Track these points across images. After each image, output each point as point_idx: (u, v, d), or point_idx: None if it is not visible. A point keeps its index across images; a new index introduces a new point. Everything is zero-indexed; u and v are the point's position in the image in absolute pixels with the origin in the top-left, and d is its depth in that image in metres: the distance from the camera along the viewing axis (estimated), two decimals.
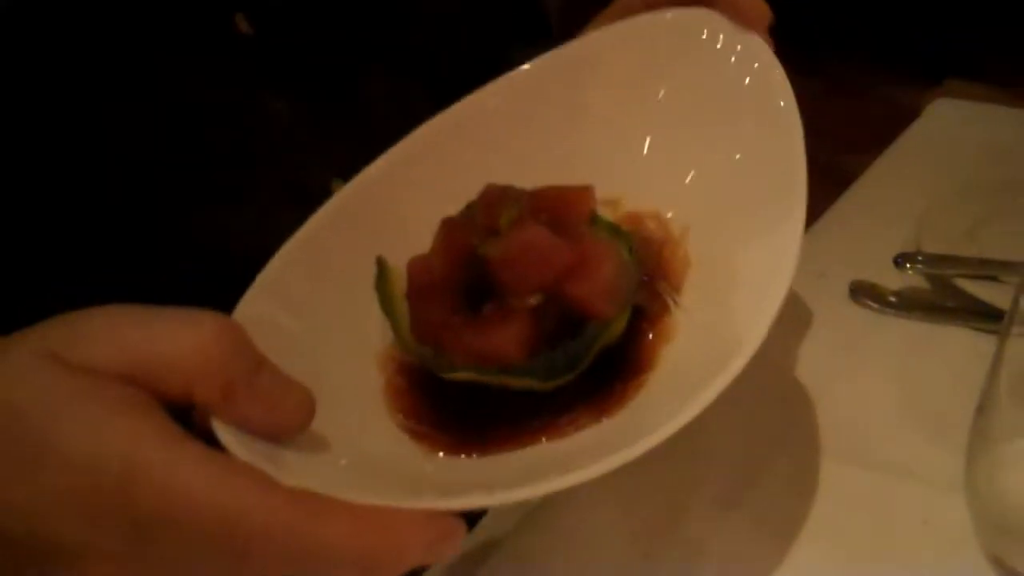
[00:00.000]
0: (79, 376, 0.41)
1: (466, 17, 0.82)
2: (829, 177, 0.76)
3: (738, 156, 0.58)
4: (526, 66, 0.63)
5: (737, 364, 0.44)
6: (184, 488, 0.39)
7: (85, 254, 0.63)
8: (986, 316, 0.73)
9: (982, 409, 0.54)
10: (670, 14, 0.61)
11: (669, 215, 0.59)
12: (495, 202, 0.56)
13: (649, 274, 0.57)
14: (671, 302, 0.56)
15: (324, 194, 0.62)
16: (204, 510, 0.39)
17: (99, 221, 0.63)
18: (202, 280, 0.62)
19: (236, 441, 0.43)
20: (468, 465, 0.51)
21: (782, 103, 0.56)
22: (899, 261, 0.77)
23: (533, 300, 0.52)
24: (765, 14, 0.59)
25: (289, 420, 0.44)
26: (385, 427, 0.53)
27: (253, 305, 0.53)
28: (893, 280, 0.78)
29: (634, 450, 0.42)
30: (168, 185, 0.64)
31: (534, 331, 0.52)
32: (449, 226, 0.56)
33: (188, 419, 0.43)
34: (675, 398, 0.45)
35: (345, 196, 0.59)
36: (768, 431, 0.65)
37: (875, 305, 0.77)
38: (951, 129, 1.01)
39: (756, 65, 0.58)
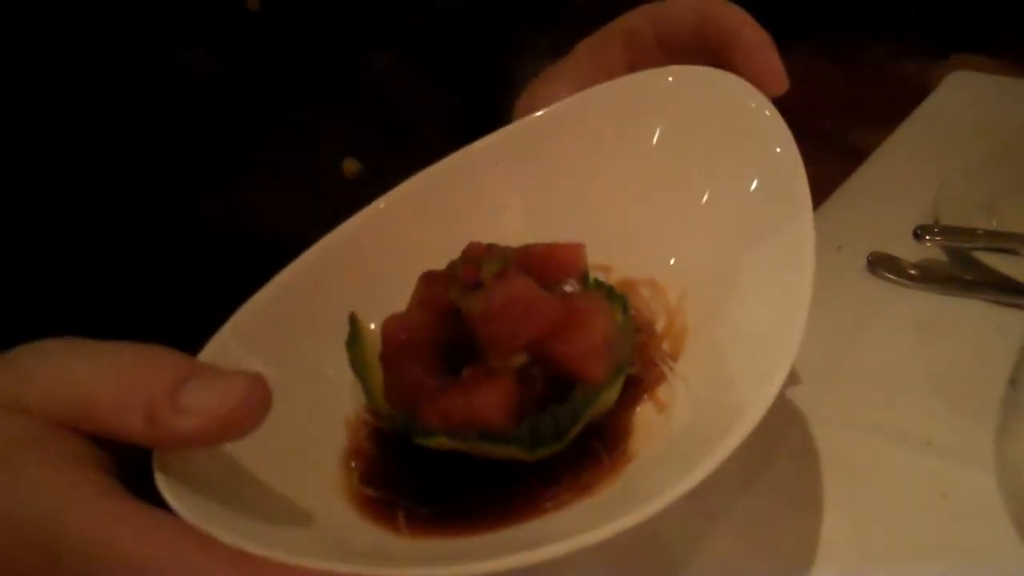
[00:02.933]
0: (15, 423, 0.40)
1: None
2: (844, 152, 0.77)
3: (739, 220, 0.55)
4: (518, 122, 0.61)
5: (735, 438, 0.41)
6: (112, 541, 0.37)
7: (86, 241, 0.63)
8: (1005, 289, 0.73)
9: (1015, 382, 0.52)
10: (671, 74, 0.60)
11: (664, 281, 0.56)
12: (478, 258, 0.52)
13: (644, 341, 0.54)
14: (667, 371, 0.53)
15: (336, 173, 0.63)
16: (130, 562, 0.36)
17: (101, 207, 0.62)
18: (216, 266, 0.64)
19: (175, 496, 0.40)
20: (430, 541, 0.47)
21: (787, 165, 0.53)
22: (918, 233, 0.77)
23: (517, 360, 0.49)
24: (781, 77, 0.58)
25: (237, 418, 0.40)
26: (345, 493, 0.50)
27: (221, 348, 0.49)
28: (911, 252, 0.78)
29: (614, 527, 0.39)
30: (173, 166, 0.63)
31: (518, 394, 0.48)
32: (428, 280, 0.52)
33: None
34: (667, 473, 0.43)
35: (325, 246, 0.56)
36: (784, 404, 0.64)
37: (893, 277, 0.77)
38: (966, 102, 1.01)
39: (759, 125, 0.56)
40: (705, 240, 0.56)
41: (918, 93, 1.03)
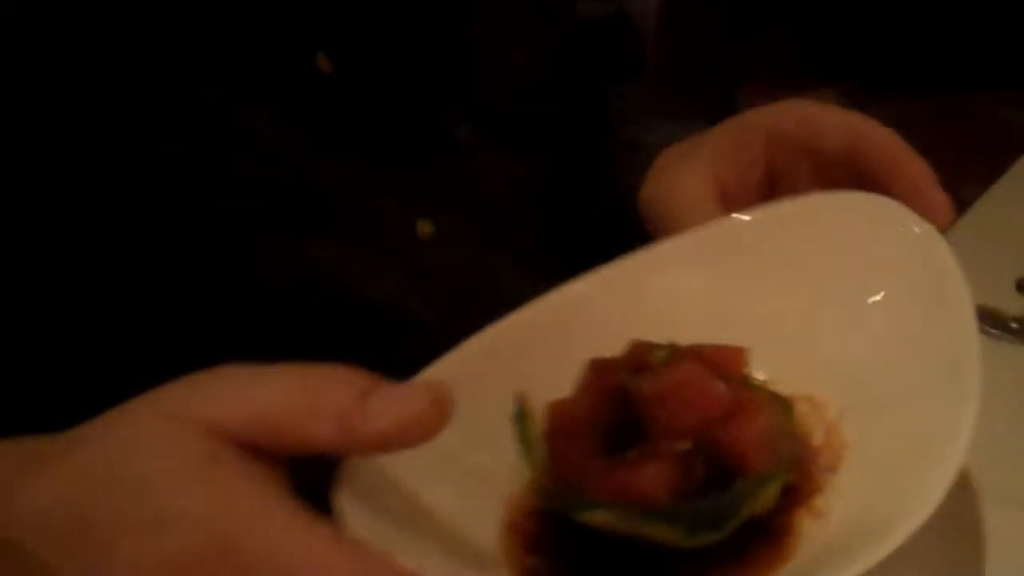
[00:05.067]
0: (202, 439, 0.42)
1: (557, 66, 0.80)
2: None
3: (902, 341, 0.56)
4: (693, 230, 0.63)
5: (895, 538, 0.43)
6: (299, 559, 0.39)
7: (144, 291, 0.62)
8: None
9: None
10: (843, 196, 0.61)
11: (823, 398, 0.56)
12: (646, 347, 0.54)
13: (801, 454, 0.54)
14: (824, 482, 0.53)
15: (409, 237, 0.64)
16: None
17: (163, 262, 0.62)
18: (289, 323, 0.63)
19: (354, 516, 0.43)
20: None
21: (953, 293, 0.54)
22: (1022, 286, 0.76)
23: (682, 445, 0.49)
24: (948, 211, 0.59)
25: (424, 420, 0.43)
26: (505, 559, 0.51)
27: None
28: (1015, 305, 0.76)
29: None
30: (244, 223, 0.63)
31: (681, 477, 0.49)
32: (596, 366, 0.53)
33: None
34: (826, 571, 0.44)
35: (492, 333, 0.58)
36: None
37: (996, 331, 0.75)
38: None
39: (925, 253, 0.56)
40: (866, 359, 0.57)
41: (1021, 142, 1.01)
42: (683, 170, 0.68)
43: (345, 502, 0.43)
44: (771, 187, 0.68)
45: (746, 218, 0.63)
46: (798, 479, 0.53)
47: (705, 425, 0.50)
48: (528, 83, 0.78)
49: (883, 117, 0.63)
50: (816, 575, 0.45)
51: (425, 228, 0.68)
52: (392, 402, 0.43)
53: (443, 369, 0.56)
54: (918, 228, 0.58)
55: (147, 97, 0.60)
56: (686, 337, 0.56)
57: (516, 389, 0.55)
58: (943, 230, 0.58)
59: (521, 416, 0.55)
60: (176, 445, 0.42)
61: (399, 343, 0.66)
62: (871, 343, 0.57)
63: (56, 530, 0.41)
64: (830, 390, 0.57)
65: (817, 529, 0.51)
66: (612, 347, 0.55)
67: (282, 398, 0.43)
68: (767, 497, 0.51)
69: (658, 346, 0.54)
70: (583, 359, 0.55)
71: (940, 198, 0.60)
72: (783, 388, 0.57)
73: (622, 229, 0.77)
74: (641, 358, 0.52)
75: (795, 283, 0.61)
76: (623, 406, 0.51)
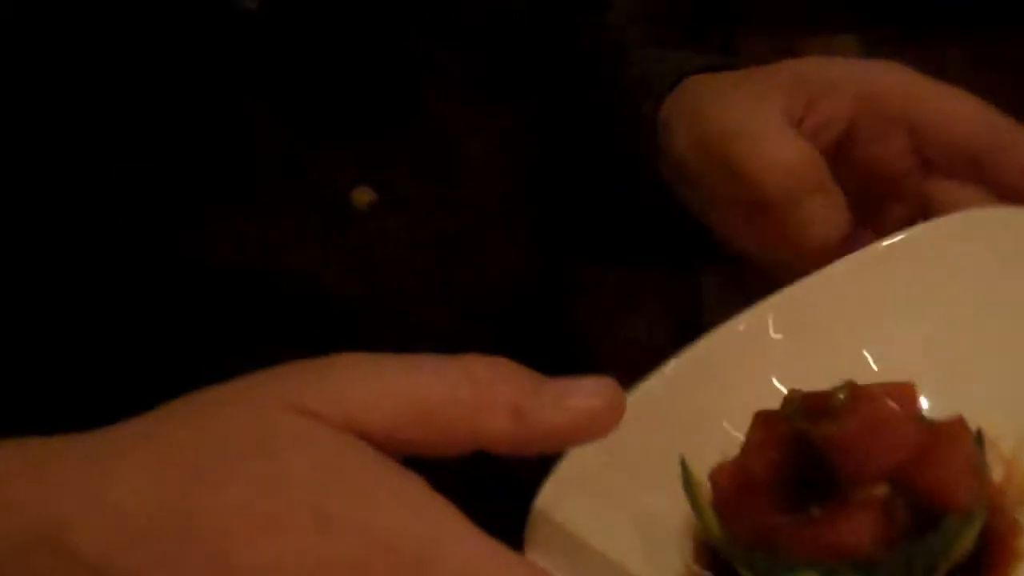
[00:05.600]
0: (352, 445, 0.37)
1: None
2: None
3: None
4: (833, 264, 0.59)
5: None
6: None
7: (69, 269, 0.56)
8: None
9: None
10: (1000, 213, 0.58)
11: (993, 431, 0.53)
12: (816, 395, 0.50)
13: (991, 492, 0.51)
14: (1019, 519, 0.50)
15: (345, 203, 0.58)
16: None
17: (84, 230, 0.56)
18: (223, 299, 0.58)
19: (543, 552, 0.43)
20: None
21: None
22: None
23: (879, 491, 0.46)
24: None
25: (603, 414, 0.40)
26: None
27: (556, 491, 0.50)
28: None
29: None
30: (161, 191, 0.57)
31: (885, 523, 0.45)
32: (765, 419, 0.50)
33: None
34: None
35: (643, 391, 0.55)
36: None
37: None
38: None
39: None
40: None
41: None
42: (751, 94, 0.61)
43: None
44: (841, 153, 0.62)
45: (893, 241, 0.59)
46: (990, 517, 0.49)
47: (900, 467, 0.46)
48: (500, 17, 0.70)
49: (918, 62, 0.59)
50: None
51: (364, 196, 0.62)
52: (567, 396, 0.39)
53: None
54: None
55: (65, 42, 0.54)
56: (846, 376, 0.52)
57: (679, 447, 0.53)
58: None
59: (688, 484, 0.52)
60: (324, 445, 0.37)
61: (327, 327, 0.61)
62: None
63: (148, 532, 0.35)
64: (1001, 422, 0.53)
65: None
66: (765, 393, 0.53)
67: (446, 390, 0.38)
68: (969, 538, 0.47)
69: (829, 391, 0.50)
70: (738, 407, 0.53)
71: None
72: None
73: (634, 187, 0.71)
74: (822, 398, 0.49)
75: (952, 308, 0.58)
76: (801, 457, 0.48)
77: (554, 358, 0.74)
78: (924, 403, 0.53)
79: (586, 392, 0.40)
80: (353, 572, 0.35)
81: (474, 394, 0.38)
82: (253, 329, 0.59)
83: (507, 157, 0.70)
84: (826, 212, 0.59)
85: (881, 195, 0.64)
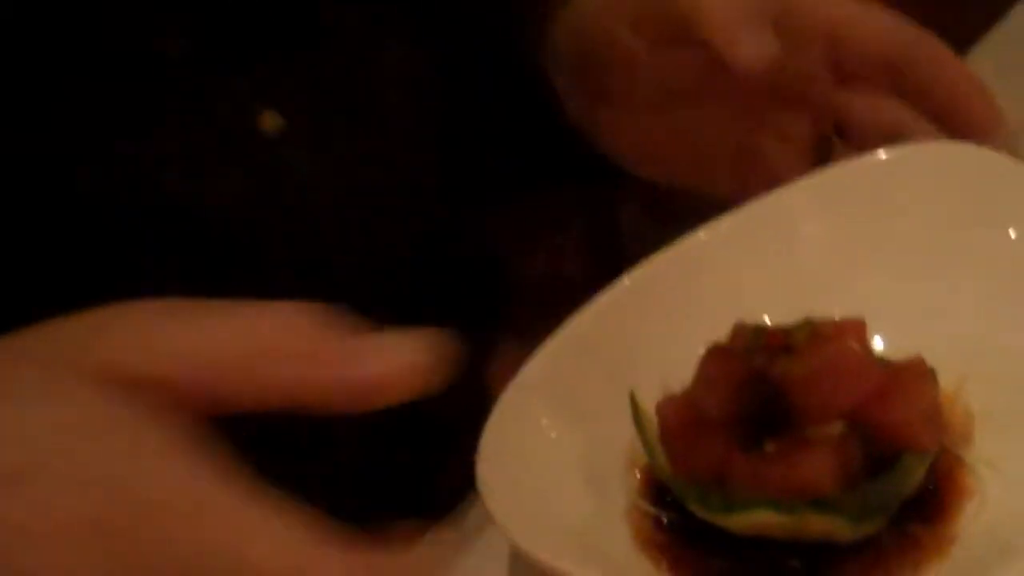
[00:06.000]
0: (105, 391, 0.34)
1: None
2: None
3: (1017, 297, 0.53)
4: (774, 192, 0.58)
5: None
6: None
7: None
8: None
9: None
10: (942, 147, 0.57)
11: (936, 366, 0.51)
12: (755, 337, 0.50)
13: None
14: (963, 456, 0.50)
15: (250, 130, 0.55)
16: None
17: None
18: (132, 228, 0.55)
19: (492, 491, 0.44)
20: None
21: None
22: None
23: (835, 429, 0.45)
24: (1002, 124, 0.55)
25: (427, 367, 0.35)
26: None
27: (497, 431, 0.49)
28: None
29: None
30: (67, 122, 0.54)
31: (844, 461, 0.45)
32: (717, 354, 0.49)
33: None
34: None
35: (577, 323, 0.54)
36: None
37: None
38: None
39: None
40: (980, 321, 0.54)
41: None
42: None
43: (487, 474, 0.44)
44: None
45: (830, 175, 0.58)
46: (939, 453, 0.49)
47: (859, 406, 0.46)
48: None
49: None
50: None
51: (270, 120, 0.60)
52: (394, 342, 0.35)
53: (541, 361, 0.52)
54: (1005, 180, 0.55)
55: None
56: (793, 310, 0.52)
57: (625, 381, 0.51)
58: (989, 142, 0.55)
59: (637, 418, 0.51)
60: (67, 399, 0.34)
61: (233, 254, 0.59)
62: (983, 304, 0.54)
63: None
64: (941, 358, 0.52)
65: (974, 507, 0.48)
66: (710, 322, 0.52)
67: (234, 339, 0.35)
68: (920, 475, 0.47)
69: (788, 328, 0.49)
70: (682, 335, 0.53)
71: (992, 110, 0.55)
72: (896, 356, 0.53)
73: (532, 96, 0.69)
74: (782, 336, 0.48)
75: (895, 243, 0.57)
76: (756, 394, 0.47)
77: (466, 287, 0.74)
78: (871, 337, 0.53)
79: (410, 343, 0.36)
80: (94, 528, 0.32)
81: (259, 344, 0.35)
82: (161, 257, 0.57)
83: (414, 83, 0.69)
84: (760, 39, 0.55)
85: (795, 106, 0.62)
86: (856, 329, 0.50)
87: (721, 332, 0.51)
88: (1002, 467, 0.48)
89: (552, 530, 0.46)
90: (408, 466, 0.69)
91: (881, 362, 0.49)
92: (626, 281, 0.55)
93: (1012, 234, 0.54)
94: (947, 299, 0.55)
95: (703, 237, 0.57)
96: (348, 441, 0.63)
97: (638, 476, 0.52)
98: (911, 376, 0.47)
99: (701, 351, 0.50)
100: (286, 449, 0.52)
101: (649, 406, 0.51)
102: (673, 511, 0.49)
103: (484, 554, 0.52)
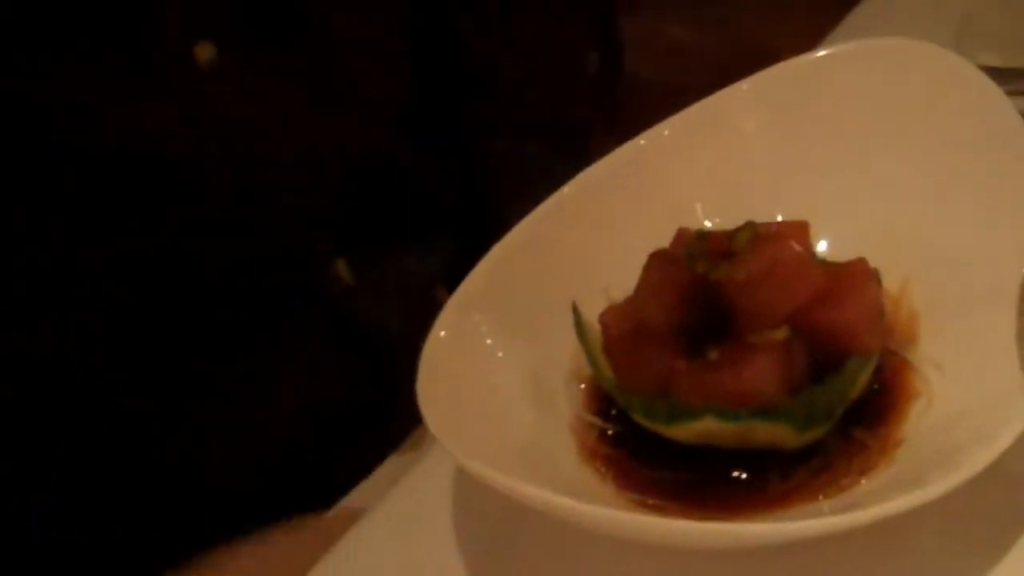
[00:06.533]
0: None
1: None
2: None
3: (960, 194, 0.52)
4: (707, 100, 0.57)
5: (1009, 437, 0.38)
6: None
7: None
8: None
9: None
10: (884, 41, 0.56)
11: (880, 265, 0.50)
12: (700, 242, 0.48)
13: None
14: (908, 357, 0.49)
15: (188, 58, 0.55)
16: None
17: None
18: (70, 159, 0.55)
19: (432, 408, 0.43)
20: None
21: (1006, 130, 0.50)
22: None
23: (779, 335, 0.45)
24: None
25: None
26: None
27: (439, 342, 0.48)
28: None
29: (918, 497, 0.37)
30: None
31: (788, 366, 0.44)
32: (660, 260, 0.48)
33: None
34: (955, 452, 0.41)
35: (516, 235, 0.53)
36: None
37: None
38: None
39: (979, 100, 0.52)
40: (921, 217, 0.53)
41: None
42: None
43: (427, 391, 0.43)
44: None
45: (770, 74, 0.57)
46: (881, 356, 0.49)
47: (801, 309, 0.45)
48: None
49: None
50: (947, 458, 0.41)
51: (204, 52, 0.59)
52: None
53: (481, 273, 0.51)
54: (966, 72, 0.53)
55: None
56: (736, 214, 0.51)
57: (568, 292, 0.50)
58: None
59: (580, 328, 0.50)
60: None
61: (178, 185, 0.58)
62: (927, 202, 0.53)
63: None
64: (885, 257, 0.51)
65: (920, 409, 0.47)
66: (653, 229, 0.51)
67: None
68: (865, 378, 0.47)
69: (729, 232, 0.48)
70: (625, 244, 0.51)
71: None
72: (840, 258, 0.52)
73: None
74: (724, 239, 0.47)
75: (837, 143, 0.56)
76: (699, 300, 0.46)
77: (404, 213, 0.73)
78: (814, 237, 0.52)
79: None
80: None
81: None
82: (99, 189, 0.56)
83: (353, 15, 0.67)
84: None
85: None
86: (799, 231, 0.49)
87: (664, 239, 0.50)
88: (947, 366, 0.48)
89: (494, 445, 0.45)
90: (366, 389, 0.69)
91: (824, 264, 0.48)
92: (566, 190, 0.54)
93: (956, 130, 0.53)
94: (890, 198, 0.54)
95: (643, 143, 0.56)
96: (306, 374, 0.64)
97: (582, 388, 0.51)
98: (855, 278, 0.47)
99: (644, 259, 0.49)
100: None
101: (592, 317, 0.50)
102: (618, 423, 0.49)
103: (432, 472, 0.51)
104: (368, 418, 0.68)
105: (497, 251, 0.51)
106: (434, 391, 0.45)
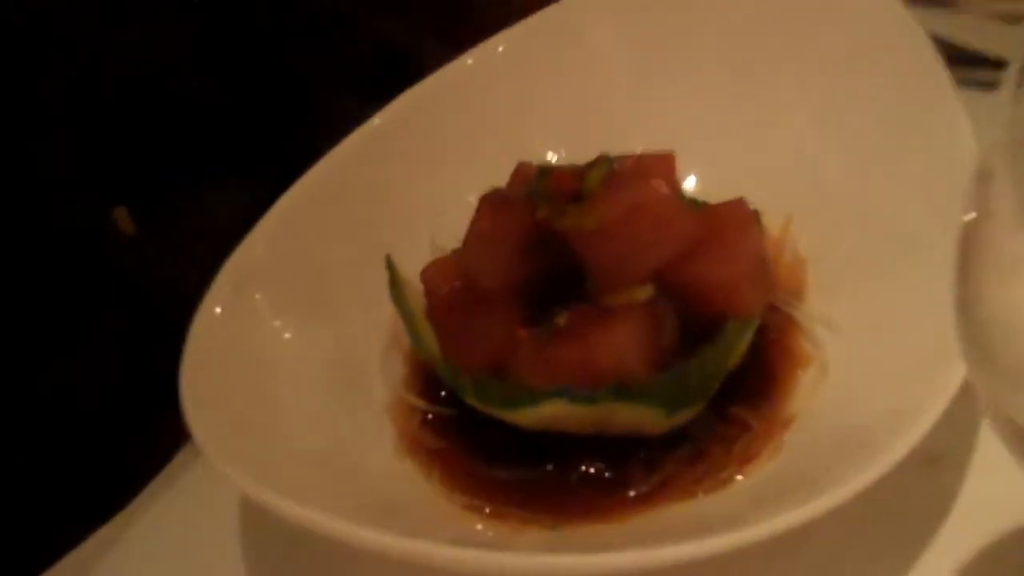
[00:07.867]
0: None
1: None
2: None
3: (860, 121, 0.44)
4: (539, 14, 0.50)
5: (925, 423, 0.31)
6: None
7: None
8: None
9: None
10: None
11: (759, 204, 0.42)
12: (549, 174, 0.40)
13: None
14: (794, 314, 0.41)
15: None
16: None
17: None
18: None
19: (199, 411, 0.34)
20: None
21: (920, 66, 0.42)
22: None
23: (642, 294, 0.37)
24: None
25: None
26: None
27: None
28: None
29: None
30: None
31: (654, 334, 0.36)
32: (494, 204, 0.40)
33: None
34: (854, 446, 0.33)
35: (311, 178, 0.45)
36: None
37: None
38: None
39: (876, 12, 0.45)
40: (803, 146, 0.45)
41: None
42: None
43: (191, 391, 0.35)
44: None
45: None
46: (765, 312, 0.41)
47: (670, 262, 0.37)
48: None
49: None
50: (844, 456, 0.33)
51: None
52: None
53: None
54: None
55: None
56: (587, 145, 0.42)
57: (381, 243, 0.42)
58: None
59: (397, 290, 0.41)
60: None
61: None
62: (809, 129, 0.45)
63: None
64: (771, 193, 0.43)
65: (813, 380, 0.39)
66: (486, 163, 0.43)
67: None
68: (745, 343, 0.39)
69: (579, 168, 0.40)
70: (452, 182, 0.44)
71: None
72: (712, 198, 0.44)
73: None
74: (572, 180, 0.38)
75: (704, 63, 0.48)
76: (543, 253, 0.38)
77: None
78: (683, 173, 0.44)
79: None
80: None
81: None
82: None
83: None
84: None
85: None
86: (663, 166, 0.41)
87: (500, 178, 0.42)
88: (841, 325, 0.40)
89: (280, 452, 0.36)
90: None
91: (695, 206, 0.40)
92: (376, 120, 0.46)
93: (838, 48, 0.45)
94: (772, 124, 0.46)
95: (470, 62, 0.48)
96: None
97: (402, 363, 0.42)
98: (732, 223, 0.39)
99: (475, 202, 0.41)
100: None
101: (412, 274, 0.41)
102: (447, 404, 0.40)
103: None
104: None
105: (285, 201, 0.43)
106: (202, 387, 0.36)
